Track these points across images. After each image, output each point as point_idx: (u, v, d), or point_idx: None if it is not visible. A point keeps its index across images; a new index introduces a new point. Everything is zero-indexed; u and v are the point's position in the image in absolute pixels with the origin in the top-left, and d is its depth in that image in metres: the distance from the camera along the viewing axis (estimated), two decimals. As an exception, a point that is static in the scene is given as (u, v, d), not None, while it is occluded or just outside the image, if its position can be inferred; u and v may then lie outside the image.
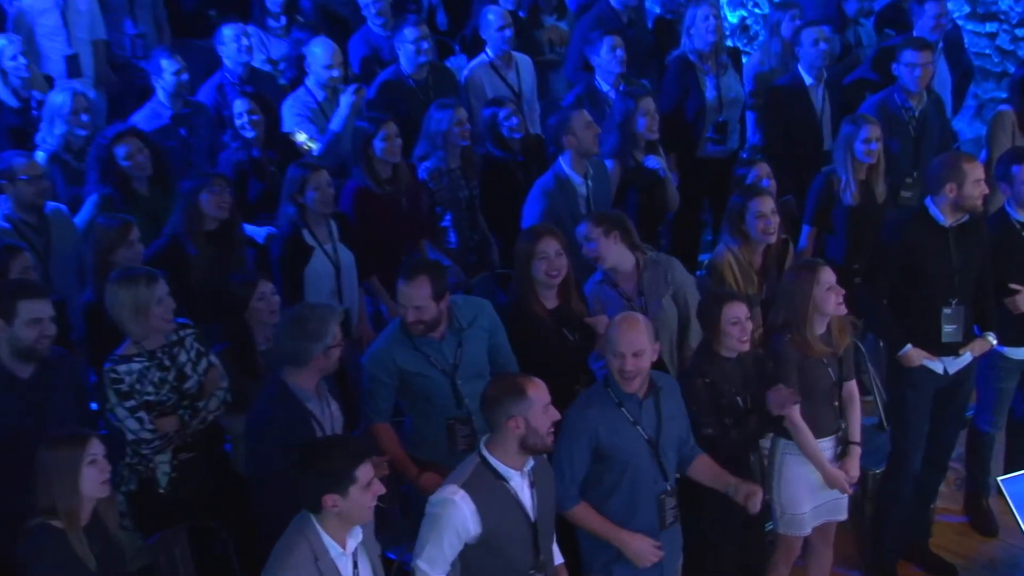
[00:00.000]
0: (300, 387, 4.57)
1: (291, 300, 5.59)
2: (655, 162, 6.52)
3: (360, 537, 3.86)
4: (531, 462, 4.19)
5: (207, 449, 5.01)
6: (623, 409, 4.51)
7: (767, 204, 5.70)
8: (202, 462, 4.97)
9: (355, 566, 3.86)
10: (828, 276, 5.00)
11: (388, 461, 4.60)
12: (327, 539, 3.78)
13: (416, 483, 4.93)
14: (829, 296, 4.99)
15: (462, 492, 4.07)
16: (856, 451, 5.16)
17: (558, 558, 4.48)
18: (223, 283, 5.39)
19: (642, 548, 4.52)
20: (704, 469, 4.74)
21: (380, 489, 3.79)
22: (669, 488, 4.58)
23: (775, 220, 5.70)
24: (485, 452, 4.16)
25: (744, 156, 7.40)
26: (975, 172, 5.33)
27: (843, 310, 5.02)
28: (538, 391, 4.12)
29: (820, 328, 5.03)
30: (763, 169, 6.26)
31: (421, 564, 4.10)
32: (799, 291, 4.98)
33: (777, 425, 5.06)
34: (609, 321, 4.76)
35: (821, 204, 6.40)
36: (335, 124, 6.83)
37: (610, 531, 4.52)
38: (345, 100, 6.80)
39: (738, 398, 4.94)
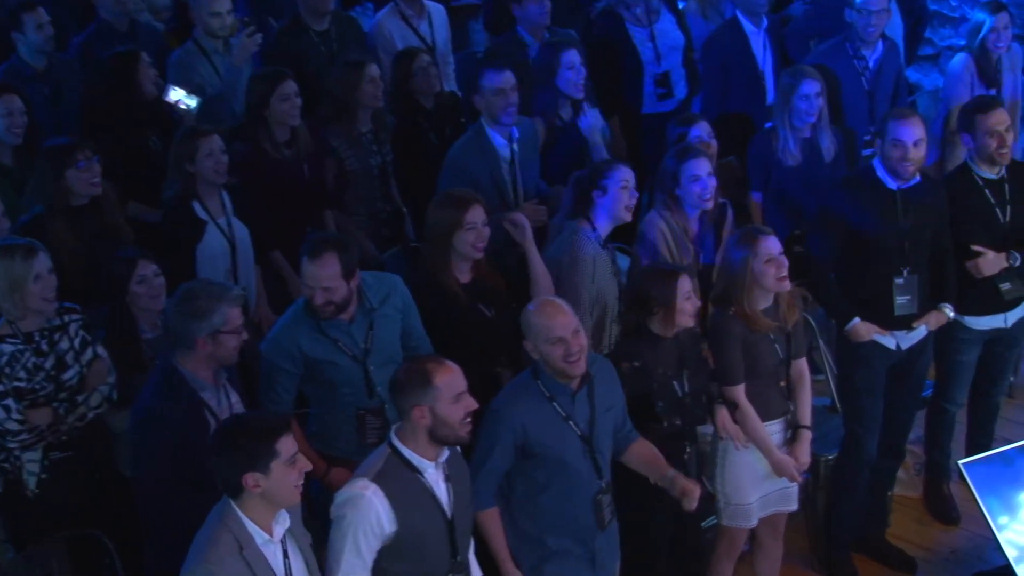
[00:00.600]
0: (193, 374, 4.18)
1: (181, 281, 5.13)
2: (585, 122, 6.10)
3: (287, 523, 3.57)
4: (446, 453, 3.92)
5: (86, 449, 4.67)
6: (554, 404, 4.20)
7: (703, 166, 5.29)
8: (79, 463, 4.64)
9: (285, 555, 3.57)
10: (768, 247, 4.68)
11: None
12: (251, 526, 3.48)
13: (324, 480, 4.60)
14: (768, 269, 4.66)
15: (373, 486, 3.79)
16: (806, 435, 4.87)
17: (476, 571, 4.18)
18: (99, 264, 4.98)
19: None
20: (641, 456, 4.45)
21: (306, 465, 3.52)
22: (604, 485, 4.29)
23: (712, 184, 5.30)
24: (396, 442, 3.87)
25: (695, 107, 6.96)
26: (908, 130, 4.98)
27: (785, 285, 4.69)
28: (448, 378, 3.82)
29: (763, 302, 4.72)
30: (703, 127, 5.81)
31: None
32: (738, 263, 4.70)
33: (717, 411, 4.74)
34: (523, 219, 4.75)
35: (763, 166, 6.03)
36: (226, 79, 6.33)
37: (505, 562, 4.25)
38: (238, 49, 6.29)
39: (674, 382, 4.62)
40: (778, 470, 4.78)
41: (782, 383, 4.82)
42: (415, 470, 3.85)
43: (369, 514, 3.76)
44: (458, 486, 3.96)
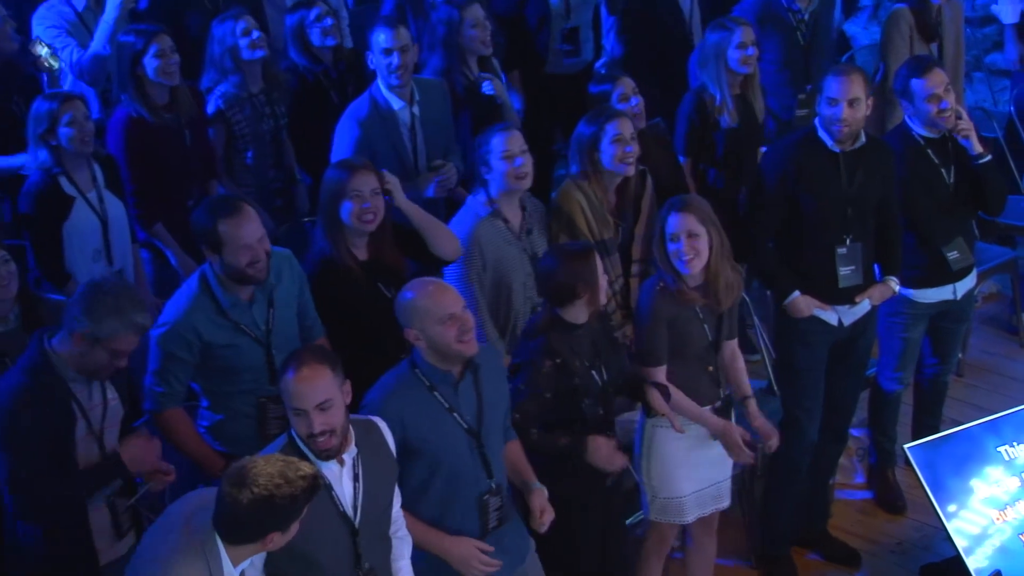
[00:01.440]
0: (65, 363, 3.88)
1: (50, 263, 5.01)
2: (490, 87, 5.71)
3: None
4: (353, 449, 3.62)
5: None
6: (436, 394, 3.88)
7: (625, 127, 4.91)
8: None
9: None
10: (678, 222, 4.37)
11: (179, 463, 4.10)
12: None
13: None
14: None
15: None
16: (753, 404, 4.60)
17: None
18: None
19: (467, 553, 3.93)
20: (509, 459, 4.13)
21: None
22: (494, 486, 3.98)
23: (635, 147, 4.92)
24: (294, 432, 3.59)
25: (602, 70, 6.58)
26: (844, 88, 4.69)
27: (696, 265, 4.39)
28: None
29: (695, 278, 4.38)
30: (627, 85, 5.42)
31: None
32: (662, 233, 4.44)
33: (641, 393, 4.40)
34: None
35: (694, 128, 5.65)
36: (99, 37, 5.80)
37: (428, 535, 3.92)
38: (111, 4, 5.77)
39: (593, 372, 4.26)
40: (723, 437, 4.46)
41: (711, 368, 4.51)
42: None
43: None
44: (372, 484, 3.66)
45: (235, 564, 3.33)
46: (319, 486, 3.34)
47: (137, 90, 5.35)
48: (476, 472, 3.92)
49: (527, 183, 4.79)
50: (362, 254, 4.53)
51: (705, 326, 4.44)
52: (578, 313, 4.22)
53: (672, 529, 4.64)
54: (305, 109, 5.81)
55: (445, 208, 5.37)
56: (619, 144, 4.87)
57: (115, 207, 5.16)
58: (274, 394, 4.17)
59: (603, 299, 4.30)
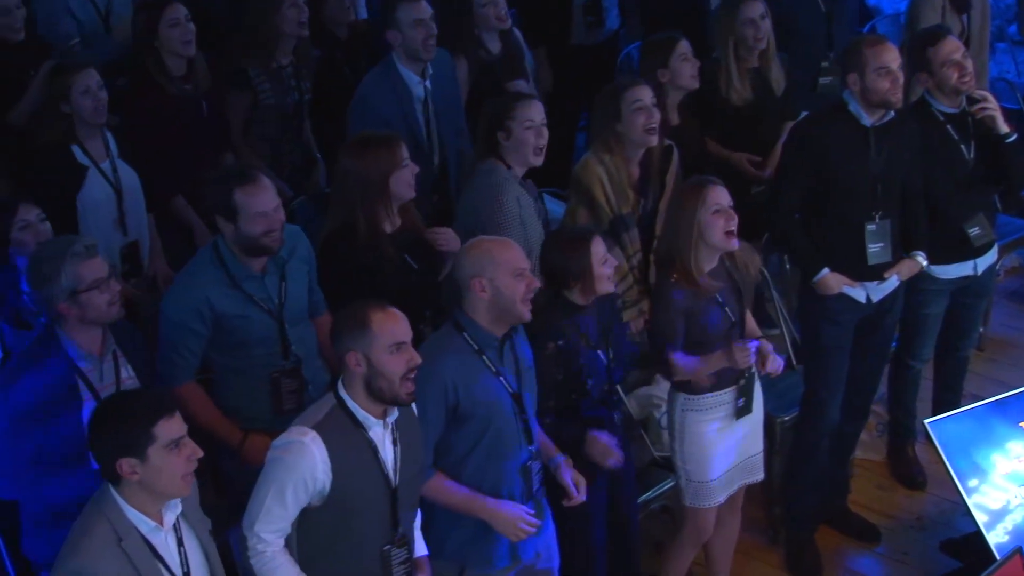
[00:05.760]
0: (73, 341, 3.89)
1: (62, 233, 4.80)
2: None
3: (179, 508, 3.30)
4: (395, 413, 3.61)
5: None
6: (484, 357, 3.83)
7: (646, 94, 4.83)
8: None
9: (179, 543, 3.28)
10: (717, 196, 4.28)
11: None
12: (133, 513, 3.20)
13: (240, 451, 4.25)
14: (716, 221, 4.24)
15: (313, 433, 3.51)
16: (767, 343, 4.39)
17: (421, 548, 3.84)
18: None
19: (513, 515, 3.91)
20: None
21: (195, 452, 3.22)
22: (534, 451, 3.97)
23: (658, 115, 4.85)
24: (342, 392, 3.57)
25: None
26: (879, 58, 4.57)
27: (732, 243, 4.27)
28: (388, 324, 3.54)
29: (709, 263, 4.31)
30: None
31: (257, 528, 3.53)
32: (683, 215, 4.29)
33: (666, 371, 4.36)
34: (455, 236, 4.43)
35: (704, 103, 5.58)
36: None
37: (472, 500, 3.89)
38: None
39: (599, 352, 4.22)
40: (736, 358, 4.23)
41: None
42: (359, 426, 3.56)
43: (304, 460, 3.47)
44: (407, 452, 3.65)
45: (145, 512, 3.20)
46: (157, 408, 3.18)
47: (152, 60, 5.29)
48: (519, 436, 3.90)
49: (540, 160, 4.73)
50: (395, 223, 4.49)
51: (726, 309, 4.36)
52: (579, 296, 4.18)
53: (710, 514, 4.52)
54: (322, 85, 5.75)
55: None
56: (641, 112, 4.80)
57: (129, 177, 5.12)
58: (288, 368, 4.26)
59: (604, 287, 4.19)
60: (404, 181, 4.44)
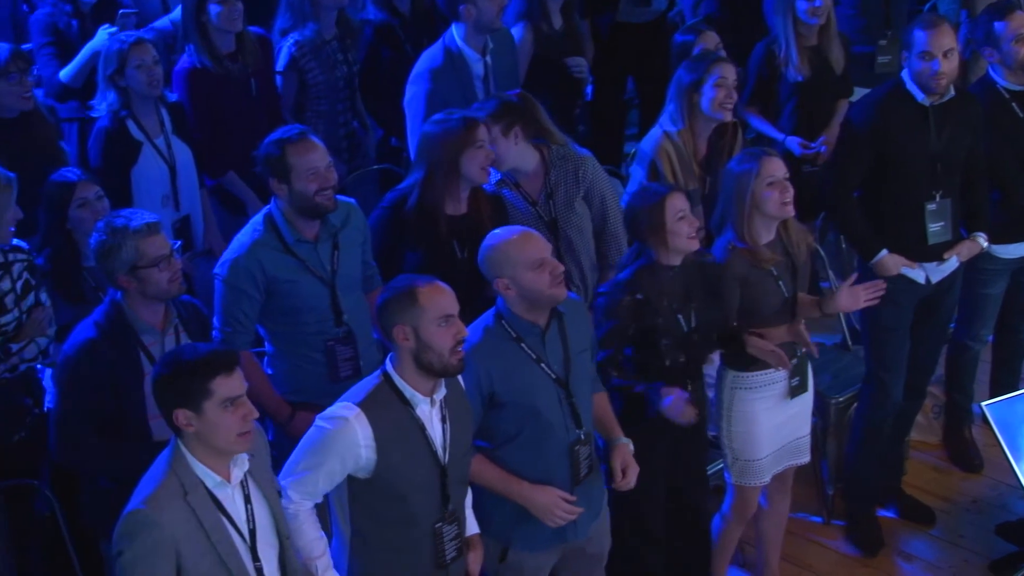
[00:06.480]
0: (135, 314, 3.89)
1: (117, 207, 4.80)
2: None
3: (247, 465, 3.30)
4: (443, 390, 3.57)
5: (14, 397, 4.34)
6: (523, 345, 3.79)
7: (729, 72, 4.91)
8: (6, 411, 4.31)
9: (247, 500, 3.29)
10: (772, 168, 4.25)
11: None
12: (200, 467, 3.22)
13: (287, 427, 4.21)
14: (772, 192, 4.22)
15: (357, 410, 3.49)
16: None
17: (473, 526, 3.82)
18: (34, 185, 4.54)
19: (550, 501, 3.86)
20: (595, 412, 4.06)
21: (251, 412, 3.21)
22: (583, 436, 3.90)
23: (735, 96, 4.94)
24: (390, 369, 3.54)
25: (680, 20, 6.46)
26: (938, 40, 4.50)
27: (789, 211, 4.26)
28: (436, 298, 3.50)
29: (766, 235, 4.29)
30: (711, 40, 5.45)
31: (289, 488, 3.54)
32: (738, 187, 4.28)
33: (725, 347, 4.34)
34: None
35: (761, 81, 5.58)
36: (72, 67, 5.53)
37: (509, 484, 3.86)
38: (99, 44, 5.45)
39: (679, 316, 4.17)
40: (795, 335, 4.26)
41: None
42: (407, 403, 3.53)
43: (345, 437, 3.46)
44: (456, 429, 3.62)
45: (212, 468, 3.22)
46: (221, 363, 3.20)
47: (202, 38, 5.25)
48: (565, 422, 3.86)
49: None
50: (461, 207, 4.44)
51: (780, 283, 4.32)
52: (669, 255, 4.14)
53: (755, 492, 4.52)
54: (378, 60, 5.70)
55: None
56: (722, 89, 4.86)
57: (183, 153, 5.13)
58: (342, 335, 4.22)
59: (680, 243, 4.12)
60: (477, 163, 4.38)
